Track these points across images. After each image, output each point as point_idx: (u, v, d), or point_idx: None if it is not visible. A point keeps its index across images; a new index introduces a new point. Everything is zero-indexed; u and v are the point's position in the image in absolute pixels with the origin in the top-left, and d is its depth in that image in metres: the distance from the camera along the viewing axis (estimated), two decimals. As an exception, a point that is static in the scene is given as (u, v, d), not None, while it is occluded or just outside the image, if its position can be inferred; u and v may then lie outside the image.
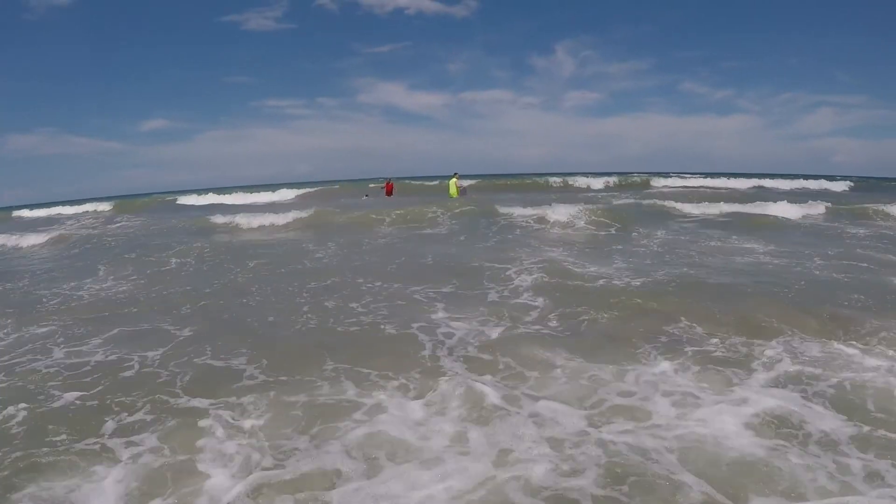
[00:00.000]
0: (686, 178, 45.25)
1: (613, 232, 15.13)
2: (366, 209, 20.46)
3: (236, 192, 40.09)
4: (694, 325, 6.44)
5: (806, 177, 46.56)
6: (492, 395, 4.58)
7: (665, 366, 5.33)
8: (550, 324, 6.67)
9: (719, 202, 19.99)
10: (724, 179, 42.26)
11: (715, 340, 5.97)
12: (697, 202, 20.13)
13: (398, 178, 36.37)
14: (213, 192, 43.54)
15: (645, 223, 16.17)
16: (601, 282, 8.39)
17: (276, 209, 22.45)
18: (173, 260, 12.55)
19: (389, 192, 29.89)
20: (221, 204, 36.60)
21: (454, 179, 26.89)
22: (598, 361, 5.42)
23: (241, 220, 19.78)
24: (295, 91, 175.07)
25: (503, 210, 18.30)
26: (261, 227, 18.99)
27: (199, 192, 46.65)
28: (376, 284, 9.00)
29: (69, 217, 34.86)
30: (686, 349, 5.76)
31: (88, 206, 40.41)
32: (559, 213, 17.21)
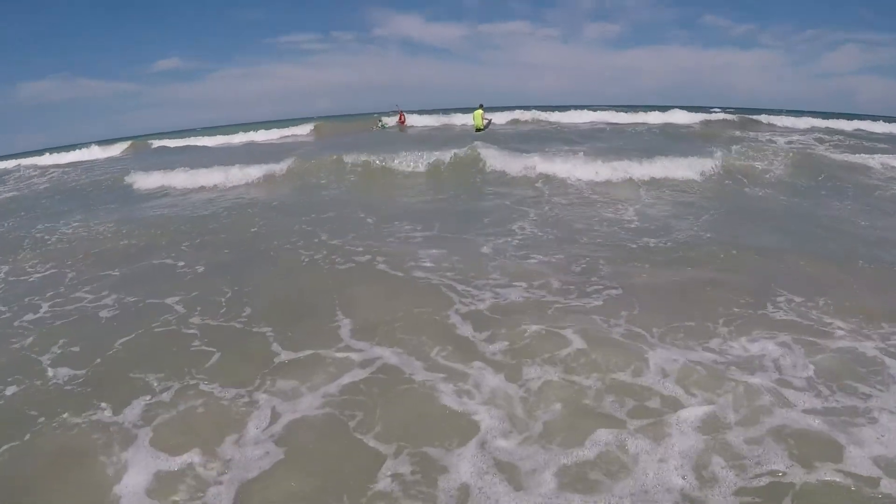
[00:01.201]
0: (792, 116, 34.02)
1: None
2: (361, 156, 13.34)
3: (241, 131, 36.06)
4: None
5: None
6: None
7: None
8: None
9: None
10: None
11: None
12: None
13: (417, 111, 35.76)
14: (207, 133, 38.80)
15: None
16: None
17: (248, 158, 15.49)
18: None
19: (402, 122, 30.25)
20: (195, 146, 31.63)
21: (479, 111, 25.36)
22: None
23: (177, 179, 12.79)
24: (309, 25, 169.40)
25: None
26: (198, 190, 11.98)
27: (184, 133, 43.65)
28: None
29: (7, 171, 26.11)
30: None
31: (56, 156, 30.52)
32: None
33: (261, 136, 34.39)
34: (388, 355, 3.98)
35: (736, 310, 4.61)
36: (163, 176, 12.93)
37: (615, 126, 28.74)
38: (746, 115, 33.40)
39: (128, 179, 13.44)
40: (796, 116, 33.46)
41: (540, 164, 11.28)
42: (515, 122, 31.70)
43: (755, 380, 3.50)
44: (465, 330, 4.32)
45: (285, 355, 4.09)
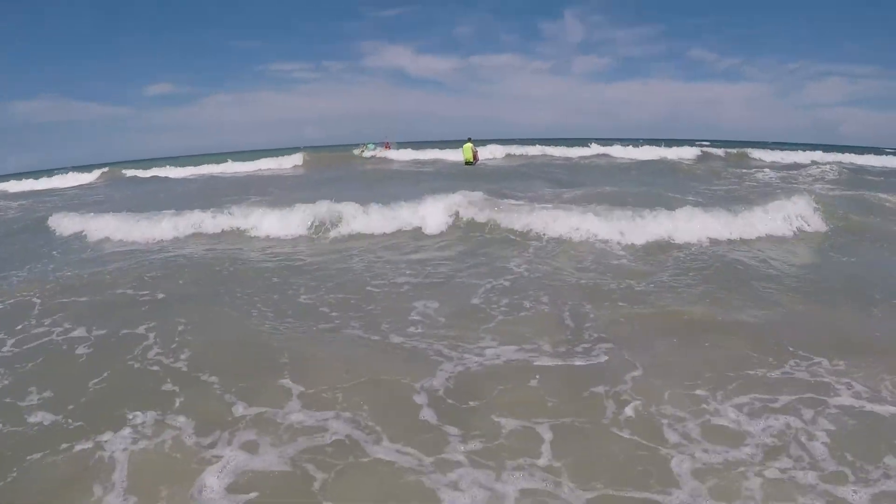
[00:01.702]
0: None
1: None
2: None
3: (230, 159, 34.19)
4: None
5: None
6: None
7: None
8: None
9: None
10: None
11: None
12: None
13: (408, 142, 36.59)
14: (194, 162, 35.92)
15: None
16: None
17: (206, 199, 13.55)
18: None
19: (387, 148, 32.05)
20: (166, 178, 28.45)
21: (469, 144, 24.43)
22: None
23: (105, 226, 10.00)
24: (301, 54, 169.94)
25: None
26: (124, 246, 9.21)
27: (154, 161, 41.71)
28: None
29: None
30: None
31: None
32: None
33: (247, 166, 31.99)
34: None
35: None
36: (89, 221, 10.32)
37: (613, 161, 27.41)
38: (738, 149, 32.51)
39: (51, 223, 11.00)
40: (792, 150, 32.40)
41: (550, 222, 8.27)
42: (510, 156, 29.80)
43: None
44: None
45: (244, 410, 3.60)
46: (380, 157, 30.15)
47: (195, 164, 33.22)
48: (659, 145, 31.68)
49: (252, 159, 33.09)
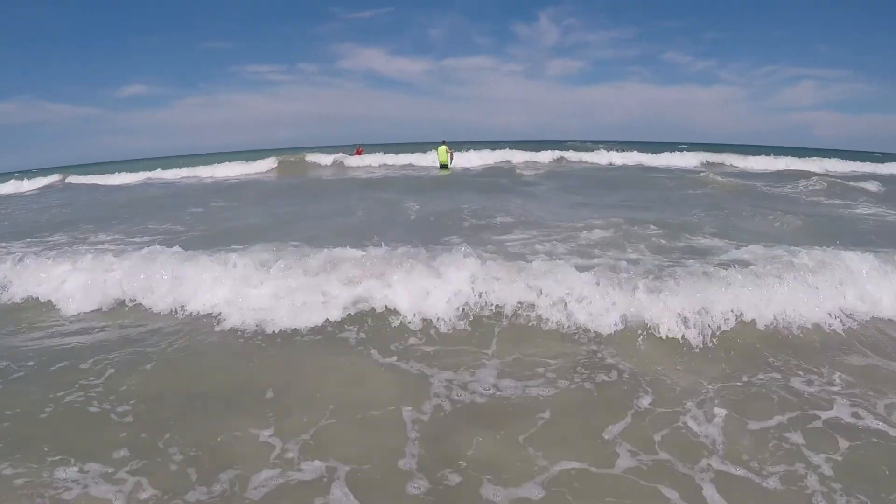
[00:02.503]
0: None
1: None
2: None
3: (202, 163, 30.43)
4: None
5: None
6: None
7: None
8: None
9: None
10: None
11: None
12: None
13: (380, 144, 35.53)
14: (166, 164, 32.22)
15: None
16: None
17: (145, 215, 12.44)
18: None
19: (359, 153, 30.39)
20: (111, 186, 24.82)
21: (443, 147, 24.14)
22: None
23: None
24: (275, 56, 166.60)
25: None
26: None
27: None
28: None
29: None
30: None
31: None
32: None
33: (217, 170, 28.17)
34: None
35: None
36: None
37: (599, 168, 25.39)
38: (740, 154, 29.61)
39: None
40: (768, 155, 30.39)
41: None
42: (489, 169, 24.78)
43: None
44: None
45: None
46: (347, 165, 27.91)
47: (163, 168, 30.22)
48: (646, 150, 29.67)
49: (226, 161, 29.93)
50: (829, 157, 29.98)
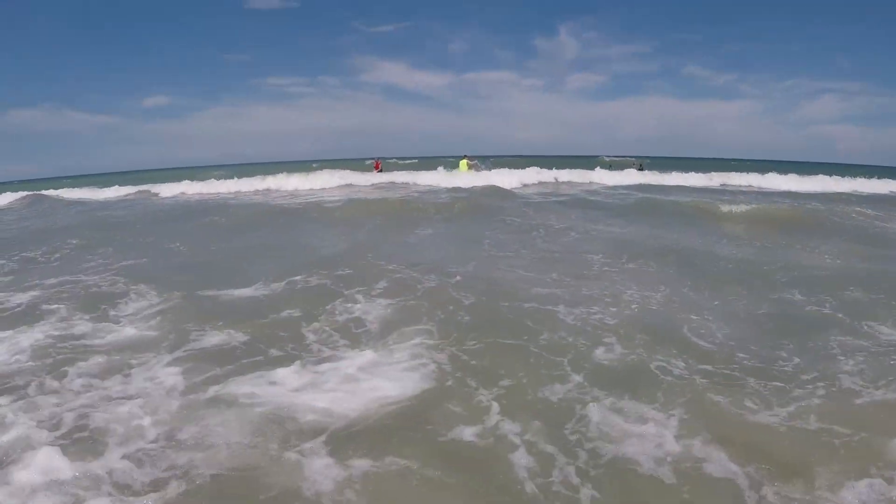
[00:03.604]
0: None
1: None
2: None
3: (222, 176, 27.81)
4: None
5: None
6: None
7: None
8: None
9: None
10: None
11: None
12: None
13: (400, 158, 33.59)
14: (186, 176, 29.21)
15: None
16: None
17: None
18: None
19: (378, 169, 28.40)
20: (94, 201, 21.31)
21: (464, 160, 23.64)
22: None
23: None
24: (297, 69, 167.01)
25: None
26: None
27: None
28: None
29: None
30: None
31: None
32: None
33: (231, 185, 22.89)
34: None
35: None
36: None
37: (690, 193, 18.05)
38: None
39: None
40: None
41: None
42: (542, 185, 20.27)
43: None
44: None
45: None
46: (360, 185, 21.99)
47: (177, 180, 28.25)
48: (666, 167, 26.84)
49: (248, 174, 26.37)
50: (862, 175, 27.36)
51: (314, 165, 31.83)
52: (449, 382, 3.75)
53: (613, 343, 4.35)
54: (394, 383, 3.73)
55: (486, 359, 4.10)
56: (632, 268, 6.94)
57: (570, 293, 5.75)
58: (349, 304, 5.47)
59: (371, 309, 5.32)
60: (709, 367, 3.94)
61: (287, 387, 3.72)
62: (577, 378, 3.76)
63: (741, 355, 4.17)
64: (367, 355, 4.20)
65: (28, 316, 5.41)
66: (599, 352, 4.19)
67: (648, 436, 3.08)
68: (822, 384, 3.68)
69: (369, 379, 3.83)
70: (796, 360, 4.10)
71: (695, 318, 5.05)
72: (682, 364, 3.98)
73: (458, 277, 6.36)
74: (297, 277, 6.44)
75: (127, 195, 23.19)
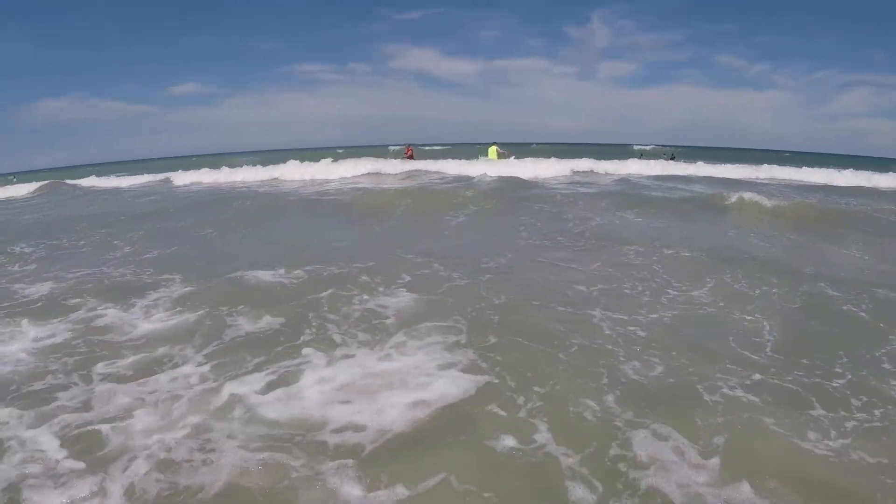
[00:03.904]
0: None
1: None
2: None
3: (254, 161, 27.50)
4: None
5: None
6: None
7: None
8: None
9: None
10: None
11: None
12: None
13: (429, 145, 33.11)
14: (212, 162, 29.06)
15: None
16: None
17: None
18: None
19: (410, 158, 27.43)
20: (121, 190, 21.34)
21: (494, 147, 23.45)
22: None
23: None
24: (326, 56, 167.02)
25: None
26: None
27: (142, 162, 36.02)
28: None
29: None
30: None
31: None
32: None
33: (250, 173, 22.19)
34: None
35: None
36: None
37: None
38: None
39: None
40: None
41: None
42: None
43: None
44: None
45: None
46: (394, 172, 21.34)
47: (212, 166, 28.00)
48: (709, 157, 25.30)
49: (273, 161, 26.23)
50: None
51: (339, 151, 31.78)
52: (481, 391, 3.55)
53: (654, 353, 4.09)
54: (423, 390, 3.56)
55: (519, 366, 3.88)
56: (672, 265, 6.59)
57: (606, 294, 5.47)
58: (375, 299, 5.31)
59: (397, 305, 5.17)
60: (756, 384, 3.65)
61: (312, 398, 3.53)
62: (615, 393, 3.51)
63: (791, 370, 3.87)
64: (394, 356, 4.05)
65: (50, 307, 5.36)
66: (638, 364, 3.93)
67: (690, 464, 2.83)
68: (879, 409, 3.35)
69: (398, 383, 3.66)
70: (849, 376, 3.78)
71: (740, 324, 4.73)
72: (729, 380, 3.69)
73: (489, 274, 6.14)
74: (323, 272, 6.28)
75: (147, 183, 23.44)
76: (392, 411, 3.28)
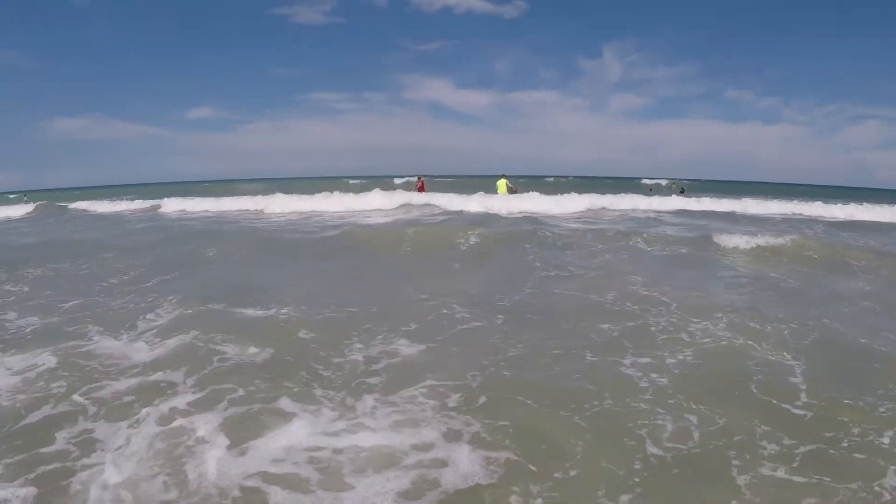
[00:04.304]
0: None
1: None
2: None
3: (265, 189, 27.77)
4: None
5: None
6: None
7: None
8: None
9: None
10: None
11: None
12: None
13: (440, 177, 33.13)
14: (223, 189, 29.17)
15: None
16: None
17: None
18: None
19: (421, 190, 26.94)
20: (115, 215, 21.71)
21: (503, 181, 23.04)
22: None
23: None
24: (341, 84, 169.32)
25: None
26: None
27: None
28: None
29: None
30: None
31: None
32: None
33: (246, 203, 22.10)
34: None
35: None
36: None
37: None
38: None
39: None
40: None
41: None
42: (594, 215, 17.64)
43: None
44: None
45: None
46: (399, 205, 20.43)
47: (216, 193, 28.58)
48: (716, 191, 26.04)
49: (285, 189, 26.79)
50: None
51: (352, 182, 31.97)
52: (497, 465, 3.15)
53: (685, 412, 3.78)
54: (416, 472, 3.16)
55: (538, 431, 3.53)
56: (694, 305, 6.34)
57: (630, 340, 5.22)
58: (370, 349, 5.01)
59: (400, 353, 4.85)
60: (796, 449, 3.33)
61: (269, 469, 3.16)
62: (644, 475, 3.18)
63: (832, 429, 3.57)
64: (382, 422, 3.63)
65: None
66: (671, 426, 3.60)
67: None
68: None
69: (385, 459, 3.20)
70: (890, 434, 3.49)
71: (772, 371, 4.48)
72: (766, 447, 3.36)
73: (500, 317, 5.90)
74: (318, 314, 6.00)
75: (137, 210, 23.45)
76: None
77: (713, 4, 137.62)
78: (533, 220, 14.64)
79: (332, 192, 22.67)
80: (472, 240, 10.93)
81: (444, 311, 6.13)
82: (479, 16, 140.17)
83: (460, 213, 16.93)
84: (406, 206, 19.50)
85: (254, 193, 25.74)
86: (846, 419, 3.74)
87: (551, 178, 68.61)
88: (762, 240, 10.60)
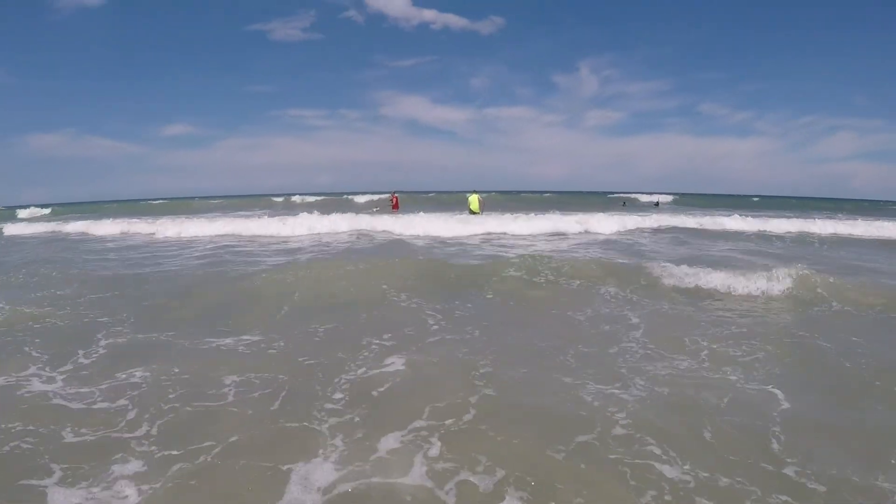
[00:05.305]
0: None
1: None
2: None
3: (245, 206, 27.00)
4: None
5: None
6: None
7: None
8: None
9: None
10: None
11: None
12: None
13: (418, 192, 33.00)
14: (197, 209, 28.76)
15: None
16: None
17: None
18: None
19: (395, 207, 27.26)
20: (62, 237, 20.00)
21: (476, 196, 22.72)
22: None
23: None
24: (317, 101, 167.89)
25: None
26: None
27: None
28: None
29: None
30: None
31: None
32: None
33: (233, 225, 18.70)
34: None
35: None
36: None
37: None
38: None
39: None
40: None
41: None
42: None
43: None
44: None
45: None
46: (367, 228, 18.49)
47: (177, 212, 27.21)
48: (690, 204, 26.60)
49: (263, 206, 26.05)
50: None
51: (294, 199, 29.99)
52: None
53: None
54: None
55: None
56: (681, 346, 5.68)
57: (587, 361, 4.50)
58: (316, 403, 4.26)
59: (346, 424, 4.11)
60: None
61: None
62: None
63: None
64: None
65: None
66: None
67: None
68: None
69: None
70: None
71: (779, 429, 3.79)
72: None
73: (475, 372, 4.66)
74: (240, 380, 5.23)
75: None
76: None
77: (688, 20, 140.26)
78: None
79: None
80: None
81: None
82: (456, 32, 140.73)
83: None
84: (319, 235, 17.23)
85: (211, 210, 24.42)
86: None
87: (526, 193, 69.01)
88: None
